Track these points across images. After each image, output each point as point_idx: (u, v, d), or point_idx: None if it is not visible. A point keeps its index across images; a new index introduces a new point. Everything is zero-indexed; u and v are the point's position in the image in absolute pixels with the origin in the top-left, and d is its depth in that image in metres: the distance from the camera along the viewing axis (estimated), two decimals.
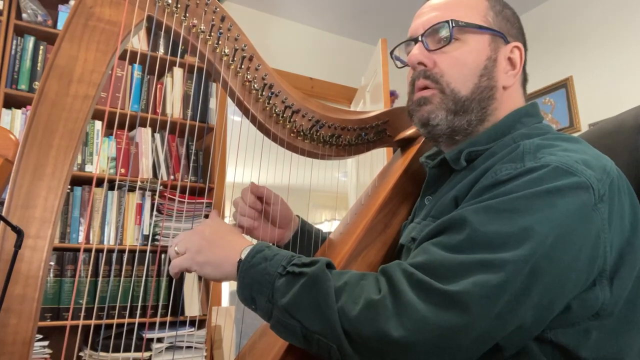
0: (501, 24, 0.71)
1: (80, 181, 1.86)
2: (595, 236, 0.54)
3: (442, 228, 0.58)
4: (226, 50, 0.75)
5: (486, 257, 0.51)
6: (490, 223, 0.53)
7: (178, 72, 2.12)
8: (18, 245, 0.51)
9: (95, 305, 1.79)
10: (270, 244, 0.64)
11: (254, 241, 0.70)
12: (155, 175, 2.00)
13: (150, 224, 1.93)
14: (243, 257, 0.62)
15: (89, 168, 1.88)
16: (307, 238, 0.93)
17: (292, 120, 0.83)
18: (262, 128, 0.81)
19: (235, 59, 0.76)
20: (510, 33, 0.72)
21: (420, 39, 0.71)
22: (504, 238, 0.52)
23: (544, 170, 0.55)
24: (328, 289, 0.55)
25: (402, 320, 0.50)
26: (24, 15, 1.85)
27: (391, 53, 0.82)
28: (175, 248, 0.68)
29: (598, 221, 0.54)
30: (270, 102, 0.80)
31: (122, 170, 1.96)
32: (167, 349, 1.84)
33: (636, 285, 0.58)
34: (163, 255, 1.92)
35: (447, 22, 0.68)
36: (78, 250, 1.79)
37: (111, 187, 1.93)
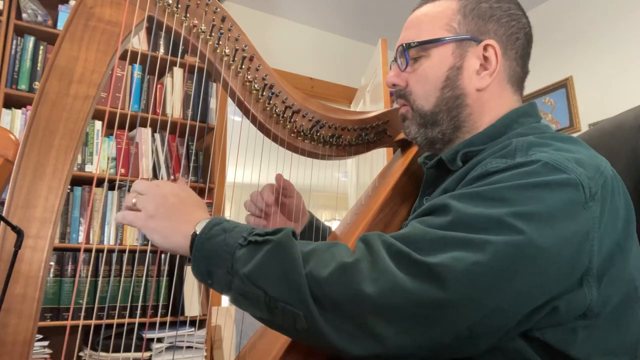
0: (470, 25, 0.70)
1: (80, 181, 1.86)
2: (583, 233, 0.53)
3: (427, 211, 0.59)
4: (227, 51, 0.75)
5: (467, 236, 0.51)
6: (475, 207, 0.53)
7: (178, 72, 2.12)
8: (18, 245, 0.51)
9: (95, 305, 1.79)
10: (228, 218, 0.62)
11: None
12: (155, 175, 2.00)
13: None
14: (199, 230, 0.60)
15: (89, 168, 1.88)
16: (316, 233, 0.94)
17: (292, 120, 0.83)
18: (262, 128, 0.82)
19: (235, 59, 0.76)
20: (484, 30, 0.70)
21: (395, 60, 0.75)
22: (487, 221, 0.52)
23: (534, 165, 0.55)
24: (294, 255, 0.54)
25: (376, 283, 0.49)
26: (24, 15, 1.85)
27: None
28: (134, 200, 0.65)
29: (588, 219, 0.54)
30: (271, 102, 0.80)
31: (122, 171, 1.96)
32: (167, 349, 1.84)
33: (625, 287, 0.57)
34: (163, 256, 1.92)
35: (402, 45, 0.72)
36: (78, 250, 1.79)
37: (111, 187, 1.93)
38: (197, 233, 0.59)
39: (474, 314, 0.49)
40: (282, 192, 0.89)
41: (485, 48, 0.69)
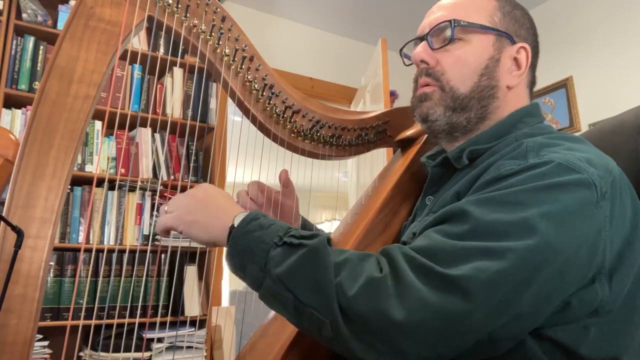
0: (508, 25, 0.72)
1: (80, 181, 1.86)
2: (596, 233, 0.54)
3: (443, 218, 0.58)
4: (227, 51, 0.75)
5: (488, 245, 0.51)
6: (493, 213, 0.53)
7: (178, 72, 2.12)
8: (18, 246, 0.51)
9: (96, 305, 1.79)
10: (266, 214, 0.63)
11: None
12: (155, 175, 2.00)
13: (150, 224, 1.93)
14: (236, 223, 0.61)
15: (89, 168, 1.88)
16: None
17: (292, 120, 0.83)
18: (262, 128, 0.82)
19: (235, 59, 0.76)
20: (518, 34, 0.72)
21: (425, 37, 0.73)
22: (506, 227, 0.52)
23: (547, 166, 0.55)
24: (327, 263, 0.54)
25: (402, 301, 0.49)
26: (24, 15, 1.85)
27: (400, 51, 0.82)
28: (166, 207, 0.67)
29: (600, 218, 0.54)
30: (271, 102, 0.80)
31: (122, 170, 1.96)
32: (167, 349, 1.84)
33: (635, 283, 0.58)
34: (163, 255, 1.92)
35: (450, 21, 0.70)
36: (78, 250, 1.79)
37: (111, 187, 1.93)
38: (235, 226, 0.60)
39: (496, 321, 0.50)
40: (282, 190, 0.88)
41: (518, 50, 0.71)
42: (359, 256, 0.57)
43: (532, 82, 0.76)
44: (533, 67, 0.75)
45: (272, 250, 0.57)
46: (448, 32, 0.70)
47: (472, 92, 0.70)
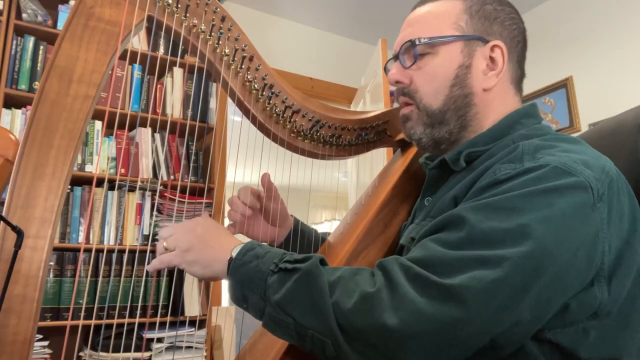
0: (477, 25, 0.70)
1: (80, 181, 1.86)
2: (594, 235, 0.54)
3: (440, 225, 0.58)
4: (226, 51, 0.75)
5: (484, 254, 0.51)
6: (488, 220, 0.53)
7: (178, 72, 2.12)
8: (18, 245, 0.51)
9: (95, 305, 1.79)
10: (261, 243, 0.65)
11: (246, 240, 0.70)
12: (155, 175, 2.00)
13: (150, 224, 1.93)
14: (234, 255, 0.62)
15: (89, 168, 1.88)
16: (301, 237, 0.93)
17: (292, 120, 0.83)
18: (262, 128, 0.81)
19: (235, 59, 0.76)
20: (490, 31, 0.70)
21: (397, 56, 0.74)
22: (502, 235, 0.52)
23: (543, 170, 0.55)
24: (322, 284, 0.55)
25: (398, 312, 0.50)
26: (24, 15, 1.85)
27: (384, 68, 0.83)
28: (165, 244, 0.68)
29: (597, 220, 0.54)
30: (271, 102, 0.80)
31: (122, 170, 1.96)
32: (167, 349, 1.84)
33: (634, 285, 0.58)
34: None
35: (411, 41, 0.71)
36: (78, 250, 1.79)
37: (111, 187, 1.93)
38: (233, 258, 0.62)
39: (496, 328, 0.50)
40: (266, 193, 0.88)
41: (492, 49, 0.70)
42: (352, 272, 0.57)
43: (519, 76, 0.74)
44: (519, 60, 0.73)
45: (269, 277, 0.58)
46: (413, 51, 0.71)
47: (445, 105, 0.70)
